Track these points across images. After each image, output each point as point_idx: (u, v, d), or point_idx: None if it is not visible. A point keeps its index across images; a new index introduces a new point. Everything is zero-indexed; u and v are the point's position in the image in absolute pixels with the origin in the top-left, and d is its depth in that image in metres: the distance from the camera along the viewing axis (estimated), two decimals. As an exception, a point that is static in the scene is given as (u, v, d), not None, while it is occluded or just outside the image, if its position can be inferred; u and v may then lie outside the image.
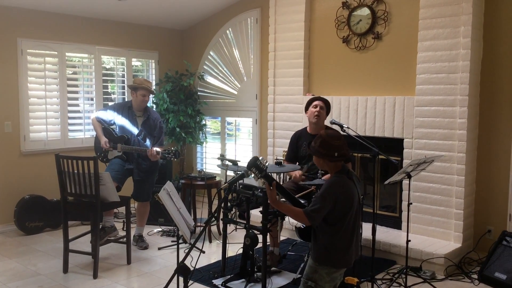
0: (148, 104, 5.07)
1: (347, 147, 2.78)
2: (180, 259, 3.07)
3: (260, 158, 2.78)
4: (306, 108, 4.51)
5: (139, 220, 5.11)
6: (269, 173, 2.81)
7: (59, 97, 5.87)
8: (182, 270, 3.00)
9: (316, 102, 4.41)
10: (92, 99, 6.25)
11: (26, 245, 5.04)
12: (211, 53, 6.84)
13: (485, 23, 4.57)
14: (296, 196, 3.54)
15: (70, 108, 6.00)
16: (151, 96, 5.10)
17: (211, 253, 4.85)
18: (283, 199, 3.06)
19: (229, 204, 4.11)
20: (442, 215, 4.63)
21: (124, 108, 4.98)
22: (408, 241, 3.96)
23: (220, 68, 6.77)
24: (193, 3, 6.33)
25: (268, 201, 2.81)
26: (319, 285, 2.73)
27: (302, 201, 2.97)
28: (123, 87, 6.53)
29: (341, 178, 2.73)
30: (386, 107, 4.97)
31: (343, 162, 2.78)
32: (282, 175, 4.95)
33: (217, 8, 6.61)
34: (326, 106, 4.43)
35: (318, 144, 2.75)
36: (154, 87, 6.74)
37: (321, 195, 2.67)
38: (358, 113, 5.18)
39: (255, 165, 2.72)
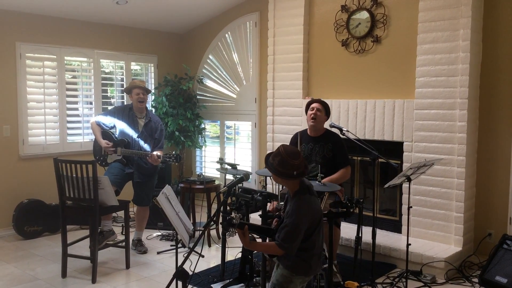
0: (148, 108, 5.05)
1: (306, 164, 2.77)
2: (179, 264, 3.06)
3: (233, 215, 2.81)
4: (306, 111, 4.50)
5: (138, 224, 5.09)
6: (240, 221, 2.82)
7: (58, 101, 5.86)
8: (181, 274, 2.99)
9: (313, 105, 4.37)
10: (91, 103, 6.24)
11: (24, 249, 5.02)
12: (210, 56, 6.83)
13: (484, 26, 4.57)
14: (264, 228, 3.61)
15: (69, 112, 5.99)
16: (150, 99, 5.09)
17: (210, 257, 4.83)
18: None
19: (228, 208, 4.09)
20: (442, 218, 4.61)
21: (125, 111, 4.98)
22: (408, 244, 3.95)
23: (219, 71, 6.76)
24: (192, 7, 6.32)
25: (244, 245, 2.81)
26: None
27: (271, 226, 3.00)
28: (122, 91, 6.52)
29: (304, 198, 2.72)
30: (386, 110, 4.96)
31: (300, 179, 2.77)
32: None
33: (216, 12, 6.61)
34: (325, 109, 4.38)
35: (277, 163, 2.72)
36: (153, 91, 6.73)
37: (295, 224, 2.64)
38: (358, 116, 5.17)
39: (231, 224, 2.75)
